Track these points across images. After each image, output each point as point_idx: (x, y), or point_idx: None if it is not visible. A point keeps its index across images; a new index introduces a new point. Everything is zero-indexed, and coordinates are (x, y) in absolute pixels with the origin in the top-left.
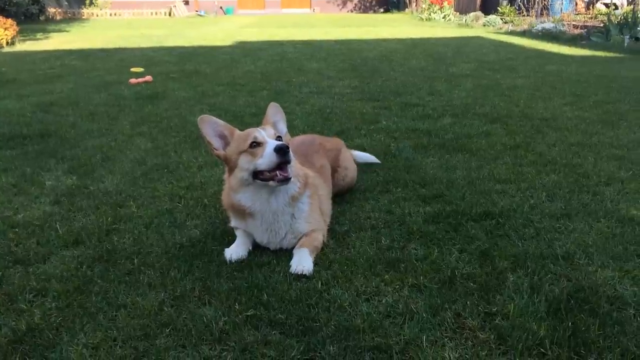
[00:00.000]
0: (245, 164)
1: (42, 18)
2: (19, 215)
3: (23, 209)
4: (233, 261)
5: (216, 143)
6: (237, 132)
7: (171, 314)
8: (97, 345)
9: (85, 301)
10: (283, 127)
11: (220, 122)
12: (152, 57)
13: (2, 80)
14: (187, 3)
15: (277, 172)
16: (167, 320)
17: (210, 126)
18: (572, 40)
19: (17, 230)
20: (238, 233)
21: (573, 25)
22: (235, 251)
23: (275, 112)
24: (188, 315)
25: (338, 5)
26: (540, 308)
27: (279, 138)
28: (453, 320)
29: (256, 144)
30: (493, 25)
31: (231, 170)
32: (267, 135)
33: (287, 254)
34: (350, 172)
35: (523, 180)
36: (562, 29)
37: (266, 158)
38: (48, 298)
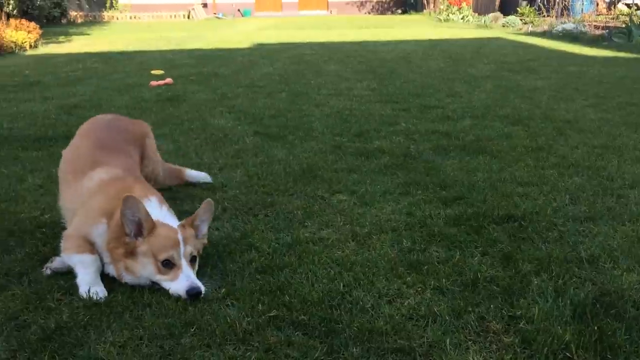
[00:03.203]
0: (150, 274)
1: (64, 21)
2: (46, 215)
3: (49, 209)
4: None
5: (128, 228)
6: (158, 230)
7: (195, 313)
8: (124, 343)
9: (111, 300)
10: (205, 228)
11: (143, 210)
12: (171, 60)
13: (26, 83)
14: (205, 6)
15: None
16: (191, 319)
17: (131, 210)
18: (593, 41)
19: (44, 230)
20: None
21: (594, 25)
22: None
23: (204, 212)
24: (211, 316)
25: (355, 6)
26: (566, 312)
27: (194, 258)
28: (477, 324)
29: (169, 264)
30: (512, 26)
31: (129, 255)
32: (184, 254)
33: (309, 257)
34: (152, 163)
35: (545, 183)
36: (583, 29)
37: (176, 291)
38: (75, 297)
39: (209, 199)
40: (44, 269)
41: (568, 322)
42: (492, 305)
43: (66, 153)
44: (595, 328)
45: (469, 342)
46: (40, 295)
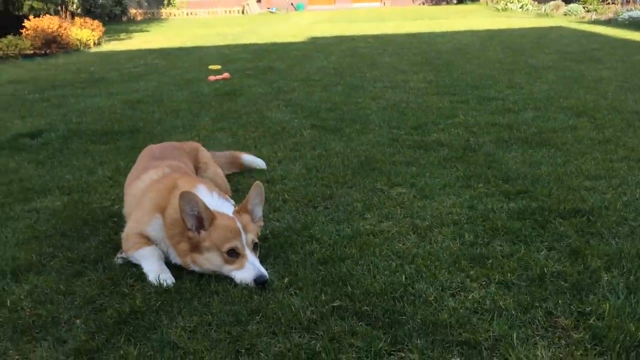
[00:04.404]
0: (217, 266)
1: (124, 19)
2: (116, 206)
3: (119, 200)
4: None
5: (190, 222)
6: (217, 221)
7: (260, 302)
8: (194, 328)
9: (180, 287)
10: (259, 211)
11: (201, 203)
12: (227, 55)
13: (92, 79)
14: (259, 0)
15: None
16: (257, 307)
17: (190, 205)
18: None
19: (115, 219)
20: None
21: None
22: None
23: (255, 196)
24: (276, 304)
25: None
26: (638, 309)
27: (255, 245)
28: (544, 319)
29: (234, 253)
30: (574, 14)
31: (195, 249)
32: (247, 242)
33: (369, 249)
34: (210, 167)
35: (614, 177)
36: None
37: (243, 280)
38: (146, 283)
39: (257, 182)
40: (116, 259)
41: None
42: (560, 301)
43: (130, 174)
44: None
45: (537, 337)
46: (115, 281)
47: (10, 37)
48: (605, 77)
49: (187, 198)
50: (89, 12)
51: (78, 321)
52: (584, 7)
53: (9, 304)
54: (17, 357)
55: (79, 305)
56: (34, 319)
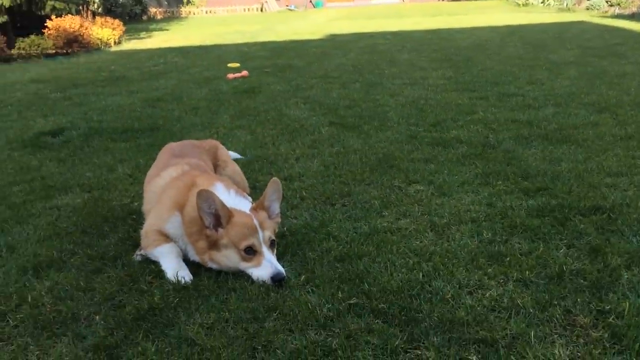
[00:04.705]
0: (235, 263)
1: (144, 18)
2: (136, 203)
3: (139, 197)
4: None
5: (207, 220)
6: (235, 218)
7: (277, 299)
8: (212, 325)
9: (197, 284)
10: (276, 207)
11: (219, 201)
12: (246, 53)
13: (113, 78)
14: None
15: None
16: (274, 304)
17: (207, 203)
18: None
19: (134, 217)
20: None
21: None
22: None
23: (272, 192)
24: (293, 301)
25: None
26: None
27: (272, 242)
28: (563, 317)
29: (251, 251)
30: (597, 9)
31: (213, 246)
32: (264, 239)
33: (387, 246)
34: (229, 165)
35: (636, 174)
36: None
37: (260, 278)
38: (165, 280)
39: (274, 178)
40: (135, 256)
41: None
42: (579, 299)
43: (149, 171)
44: None
45: (555, 336)
46: (134, 278)
47: (33, 36)
48: (628, 72)
49: (205, 196)
50: (109, 11)
51: (97, 317)
52: (606, 1)
53: (30, 300)
54: (37, 352)
55: (99, 301)
56: (54, 315)
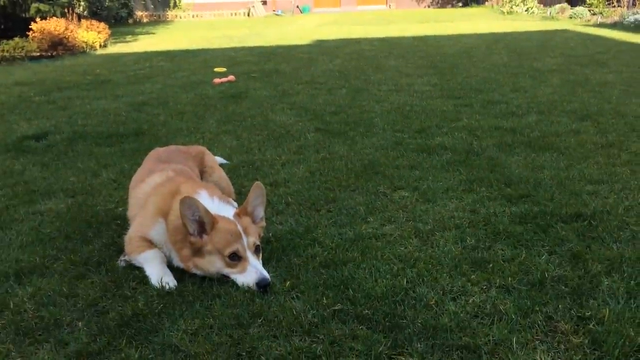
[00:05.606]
0: (219, 269)
1: (130, 21)
2: (120, 208)
3: (123, 202)
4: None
5: (191, 228)
6: (219, 224)
7: (262, 305)
8: (196, 331)
9: (182, 290)
10: (260, 212)
11: (202, 207)
12: (233, 57)
13: (98, 81)
14: (264, 3)
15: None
16: (258, 310)
17: (191, 210)
18: None
19: (118, 222)
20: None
21: None
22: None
23: (255, 197)
24: (278, 307)
25: (415, 0)
26: (638, 314)
27: (257, 248)
28: (544, 323)
29: (236, 257)
30: (580, 18)
31: (197, 253)
32: (248, 245)
33: (372, 252)
34: (215, 171)
35: (617, 181)
36: None
37: (245, 283)
38: (149, 286)
39: (257, 182)
40: (119, 261)
41: None
42: (560, 305)
43: (135, 176)
44: None
45: (537, 342)
46: (117, 284)
47: (17, 39)
48: (610, 81)
49: (188, 203)
50: (95, 14)
51: (80, 323)
52: (589, 10)
53: (12, 306)
54: (19, 358)
55: (82, 307)
56: (36, 321)
